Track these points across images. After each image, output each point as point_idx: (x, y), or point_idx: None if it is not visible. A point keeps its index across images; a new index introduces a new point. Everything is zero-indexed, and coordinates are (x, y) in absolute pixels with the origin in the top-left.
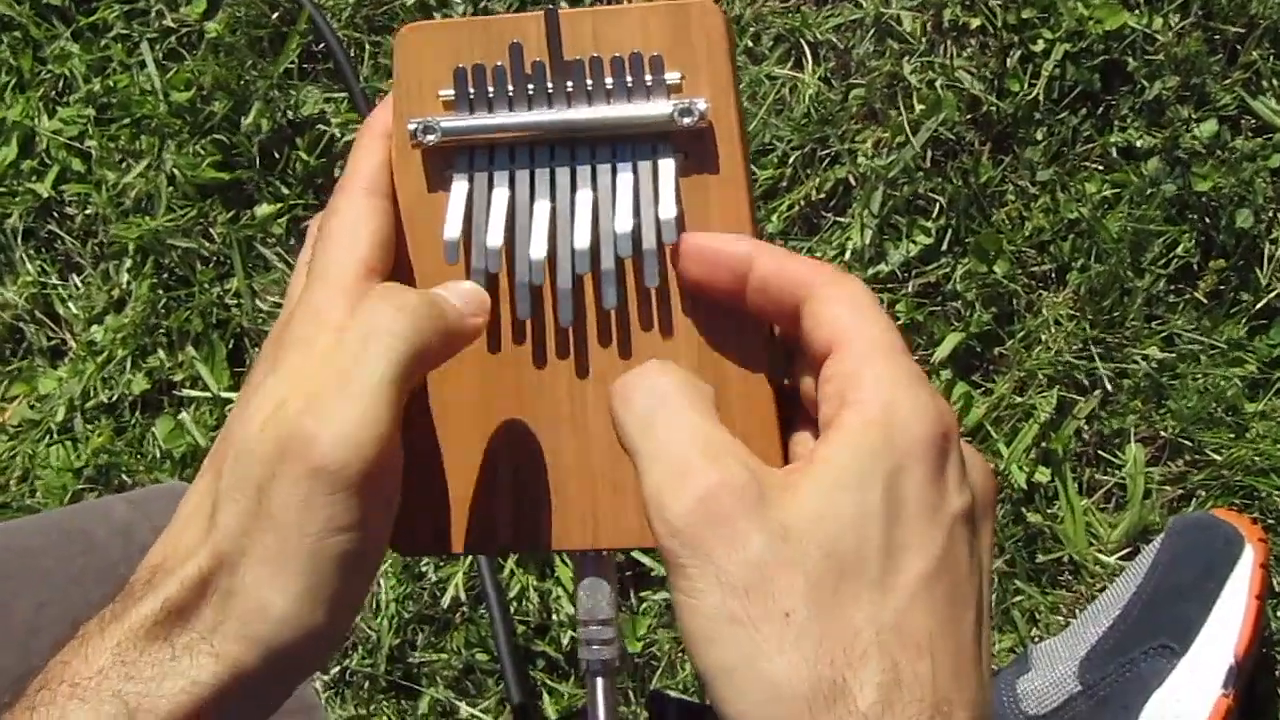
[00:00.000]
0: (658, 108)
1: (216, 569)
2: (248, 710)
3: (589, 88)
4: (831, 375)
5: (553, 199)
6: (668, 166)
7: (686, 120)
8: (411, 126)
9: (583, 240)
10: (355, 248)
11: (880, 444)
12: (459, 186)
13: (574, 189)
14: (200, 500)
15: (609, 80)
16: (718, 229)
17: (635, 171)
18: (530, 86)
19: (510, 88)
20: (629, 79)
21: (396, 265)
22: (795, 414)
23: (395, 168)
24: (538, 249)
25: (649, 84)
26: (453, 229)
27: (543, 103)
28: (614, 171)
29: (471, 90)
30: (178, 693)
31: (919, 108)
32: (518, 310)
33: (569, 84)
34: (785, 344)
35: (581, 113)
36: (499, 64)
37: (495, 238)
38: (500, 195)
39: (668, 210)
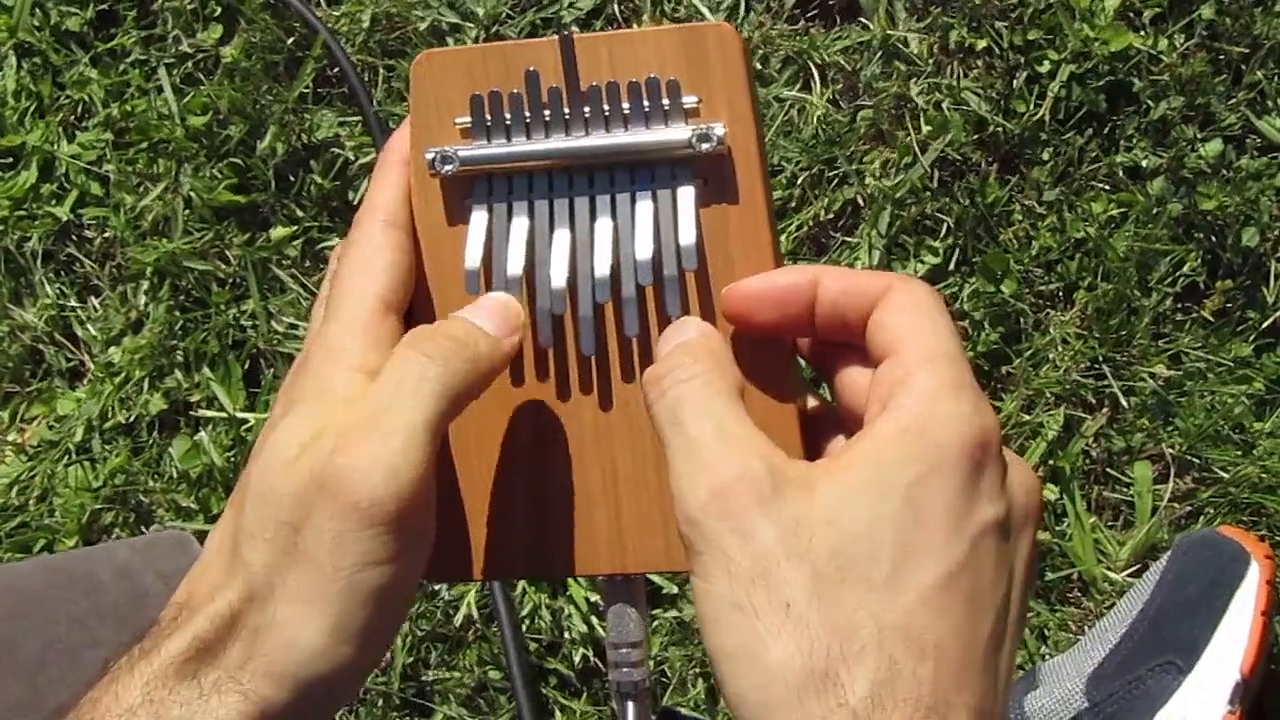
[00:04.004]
0: (675, 133)
1: (247, 605)
2: None
3: (606, 113)
4: (881, 379)
5: (572, 228)
6: (687, 193)
7: (705, 145)
8: (429, 156)
9: (603, 268)
10: (371, 283)
11: (908, 451)
12: (478, 216)
13: (593, 217)
14: (223, 538)
15: (626, 106)
16: (738, 254)
17: (655, 199)
18: (547, 113)
19: (527, 115)
20: (646, 104)
21: (417, 295)
22: (823, 432)
23: (414, 197)
24: (558, 277)
25: (666, 109)
26: (473, 258)
27: (560, 130)
28: (633, 199)
29: (489, 118)
30: None
31: (926, 128)
32: (539, 339)
33: (586, 110)
34: (826, 356)
35: (599, 139)
36: (515, 91)
37: (515, 267)
38: (519, 224)
39: (687, 236)
